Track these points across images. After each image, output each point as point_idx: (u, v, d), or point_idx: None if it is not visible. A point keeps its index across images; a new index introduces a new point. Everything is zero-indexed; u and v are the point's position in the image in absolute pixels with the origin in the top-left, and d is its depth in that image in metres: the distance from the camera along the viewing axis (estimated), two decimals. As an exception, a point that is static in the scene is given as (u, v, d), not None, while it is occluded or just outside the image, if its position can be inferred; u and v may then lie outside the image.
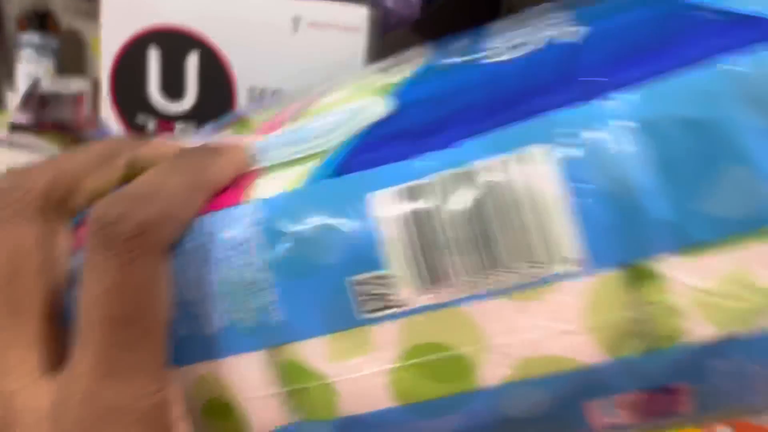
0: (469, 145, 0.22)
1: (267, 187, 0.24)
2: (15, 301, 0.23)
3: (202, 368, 0.24)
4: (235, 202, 0.24)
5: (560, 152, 0.21)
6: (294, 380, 0.23)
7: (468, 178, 0.21)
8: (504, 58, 0.26)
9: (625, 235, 0.20)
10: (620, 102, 0.20)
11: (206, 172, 0.24)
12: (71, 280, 0.24)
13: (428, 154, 0.22)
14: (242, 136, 0.30)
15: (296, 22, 0.47)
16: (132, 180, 0.23)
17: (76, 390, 0.21)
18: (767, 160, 0.19)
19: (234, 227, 0.23)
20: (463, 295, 0.21)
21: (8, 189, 0.24)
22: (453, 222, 0.21)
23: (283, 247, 0.23)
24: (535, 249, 0.21)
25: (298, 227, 0.23)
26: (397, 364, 0.22)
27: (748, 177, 0.19)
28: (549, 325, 0.21)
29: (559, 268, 0.21)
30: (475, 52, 0.31)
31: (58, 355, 0.23)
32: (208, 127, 0.40)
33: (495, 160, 0.21)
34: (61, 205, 0.24)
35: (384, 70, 0.37)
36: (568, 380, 0.22)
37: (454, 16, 0.60)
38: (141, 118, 0.50)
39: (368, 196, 0.22)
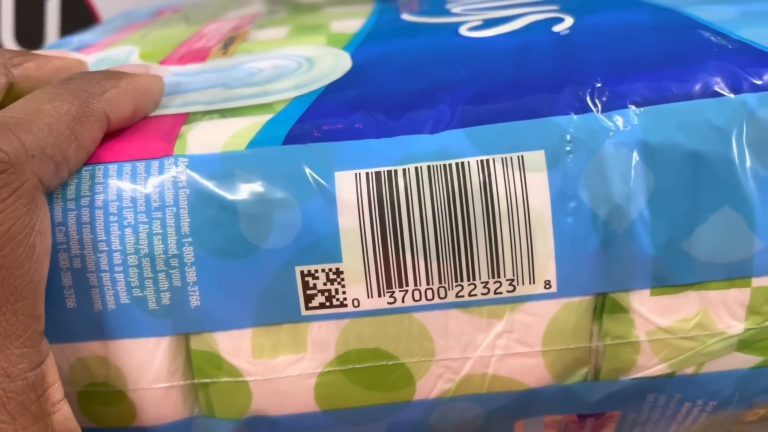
0: (453, 135, 0.19)
1: (196, 141, 0.20)
2: None
3: (86, 348, 0.19)
4: (152, 153, 0.19)
5: (556, 161, 0.18)
6: (204, 374, 0.20)
7: (449, 175, 0.18)
8: (484, 33, 0.23)
9: (607, 264, 0.19)
10: (624, 119, 0.19)
11: (98, 100, 0.19)
12: None
13: (402, 138, 0.19)
14: (148, 64, 0.25)
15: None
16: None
17: None
18: (763, 211, 0.18)
19: (148, 184, 0.19)
20: (421, 303, 0.19)
21: None
22: (426, 221, 0.18)
23: (211, 219, 0.19)
24: (516, 265, 0.19)
25: (235, 197, 0.19)
26: (330, 368, 0.20)
27: (740, 225, 0.18)
28: (506, 346, 0.19)
29: (533, 290, 0.19)
30: (440, 12, 0.28)
31: None
32: (99, 29, 0.33)
33: (484, 159, 0.18)
34: None
35: (314, 6, 0.33)
36: (510, 401, 0.20)
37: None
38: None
39: (335, 174, 0.19)
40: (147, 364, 0.19)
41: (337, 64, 0.23)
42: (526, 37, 0.23)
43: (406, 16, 0.29)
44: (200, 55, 0.27)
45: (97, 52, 0.30)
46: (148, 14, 0.40)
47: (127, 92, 0.20)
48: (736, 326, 0.19)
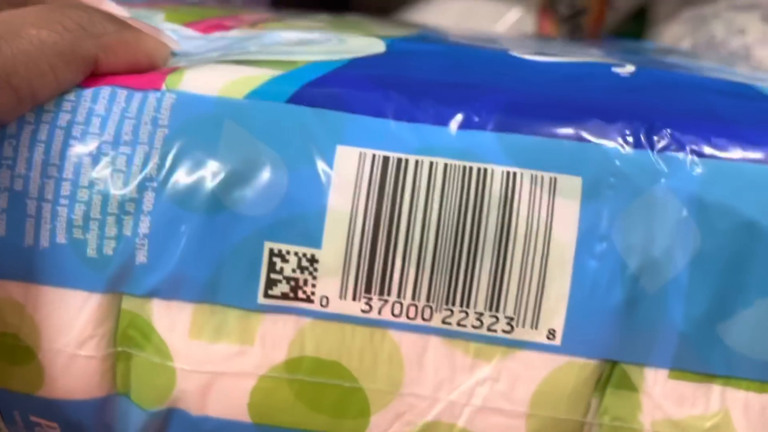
0: (483, 137, 0.16)
1: (192, 78, 0.17)
2: None
3: (2, 288, 0.16)
4: (138, 83, 0.17)
5: (593, 193, 0.16)
6: (129, 341, 0.17)
7: (468, 179, 0.16)
8: (538, 58, 0.21)
9: (626, 327, 0.16)
10: (681, 165, 0.16)
11: (93, 41, 0.17)
12: None
13: (423, 126, 0.16)
14: (169, 24, 0.23)
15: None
16: None
17: None
18: None
19: (125, 115, 0.16)
20: (400, 320, 0.16)
21: None
22: (428, 225, 0.16)
23: (185, 166, 0.16)
24: (520, 302, 0.16)
25: (219, 148, 0.16)
26: (274, 374, 0.16)
27: None
28: (487, 397, 0.16)
29: (533, 337, 0.16)
30: (489, 43, 0.25)
31: None
32: None
33: (511, 171, 0.16)
34: None
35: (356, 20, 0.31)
36: (473, 466, 0.17)
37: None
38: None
39: (338, 148, 0.16)
40: (68, 323, 0.16)
41: (370, 44, 0.20)
42: (584, 69, 0.21)
43: (454, 38, 0.27)
44: (225, 27, 0.25)
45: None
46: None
47: (129, 44, 0.17)
48: None
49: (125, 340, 0.17)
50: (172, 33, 0.23)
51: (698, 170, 0.16)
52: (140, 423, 0.17)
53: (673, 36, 0.45)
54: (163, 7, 0.29)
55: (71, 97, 0.17)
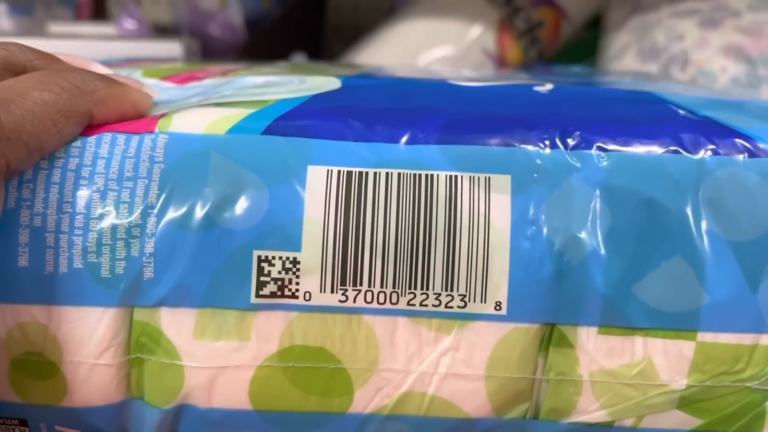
0: (427, 150, 0.20)
1: (180, 121, 0.20)
2: None
3: (28, 313, 0.19)
4: (135, 128, 0.20)
5: (521, 187, 0.19)
6: (141, 347, 0.19)
7: (418, 184, 0.19)
8: (471, 84, 0.25)
9: (558, 295, 0.19)
10: (590, 159, 0.20)
11: (87, 98, 0.20)
12: None
13: (378, 144, 0.20)
14: (148, 79, 0.26)
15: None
16: None
17: None
18: (714, 266, 0.19)
19: (125, 155, 0.19)
20: (372, 306, 0.19)
21: None
22: (389, 224, 0.19)
23: (181, 194, 0.19)
24: (470, 281, 0.19)
25: (208, 176, 0.19)
26: (269, 363, 0.19)
27: (690, 277, 0.19)
28: (450, 365, 0.19)
29: (483, 309, 0.19)
30: (429, 75, 0.29)
31: None
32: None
33: (453, 174, 0.19)
34: None
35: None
36: (446, 428, 0.20)
37: (279, 41, 0.58)
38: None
39: (308, 168, 0.19)
40: (87, 336, 0.19)
41: (327, 82, 0.24)
42: (509, 90, 0.24)
43: (399, 74, 0.30)
44: (198, 78, 0.28)
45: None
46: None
47: (117, 97, 0.20)
48: (679, 381, 0.20)
49: (138, 347, 0.19)
50: (153, 85, 0.26)
51: (604, 162, 0.19)
52: (154, 421, 0.20)
53: (622, 43, 0.47)
54: (138, 65, 0.32)
55: (78, 144, 0.19)
